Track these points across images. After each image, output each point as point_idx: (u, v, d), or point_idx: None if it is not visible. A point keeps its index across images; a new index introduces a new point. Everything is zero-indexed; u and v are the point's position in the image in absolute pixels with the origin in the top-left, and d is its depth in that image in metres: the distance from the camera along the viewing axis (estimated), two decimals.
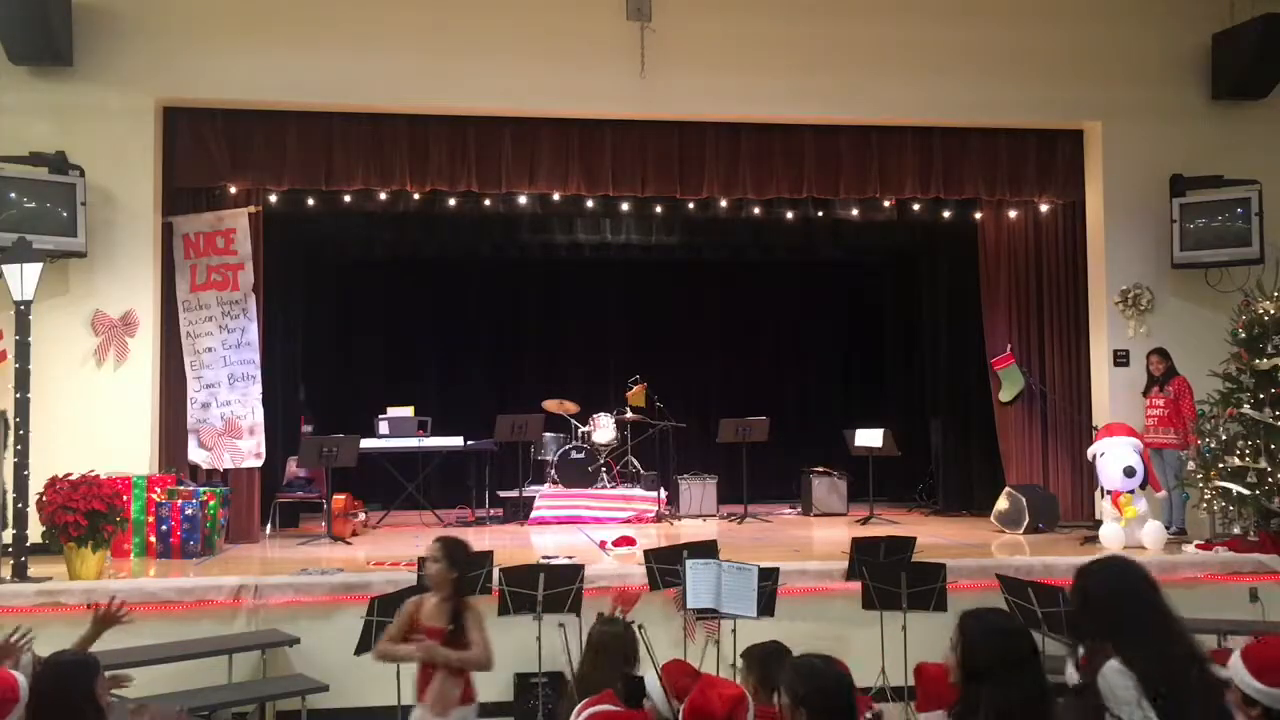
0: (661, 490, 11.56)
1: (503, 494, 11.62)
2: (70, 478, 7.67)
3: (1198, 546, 8.67)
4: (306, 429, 11.67)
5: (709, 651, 6.65)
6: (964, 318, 11.96)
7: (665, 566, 6.82)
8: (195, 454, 9.61)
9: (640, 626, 4.80)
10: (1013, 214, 11.26)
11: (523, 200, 10.74)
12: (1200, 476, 9.03)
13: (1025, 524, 10.03)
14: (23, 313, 7.72)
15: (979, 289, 11.44)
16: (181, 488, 9.00)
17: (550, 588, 6.58)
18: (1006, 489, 10.49)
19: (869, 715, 4.18)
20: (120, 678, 4.51)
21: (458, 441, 11.41)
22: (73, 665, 3.85)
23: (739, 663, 4.50)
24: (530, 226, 12.43)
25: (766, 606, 6.18)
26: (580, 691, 4.37)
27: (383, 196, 10.44)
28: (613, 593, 5.73)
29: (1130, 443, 9.05)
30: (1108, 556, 3.96)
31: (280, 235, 10.68)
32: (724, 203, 10.96)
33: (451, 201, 10.74)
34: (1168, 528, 9.14)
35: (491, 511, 11.35)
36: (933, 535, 9.67)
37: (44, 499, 7.56)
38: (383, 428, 11.49)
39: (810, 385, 14.33)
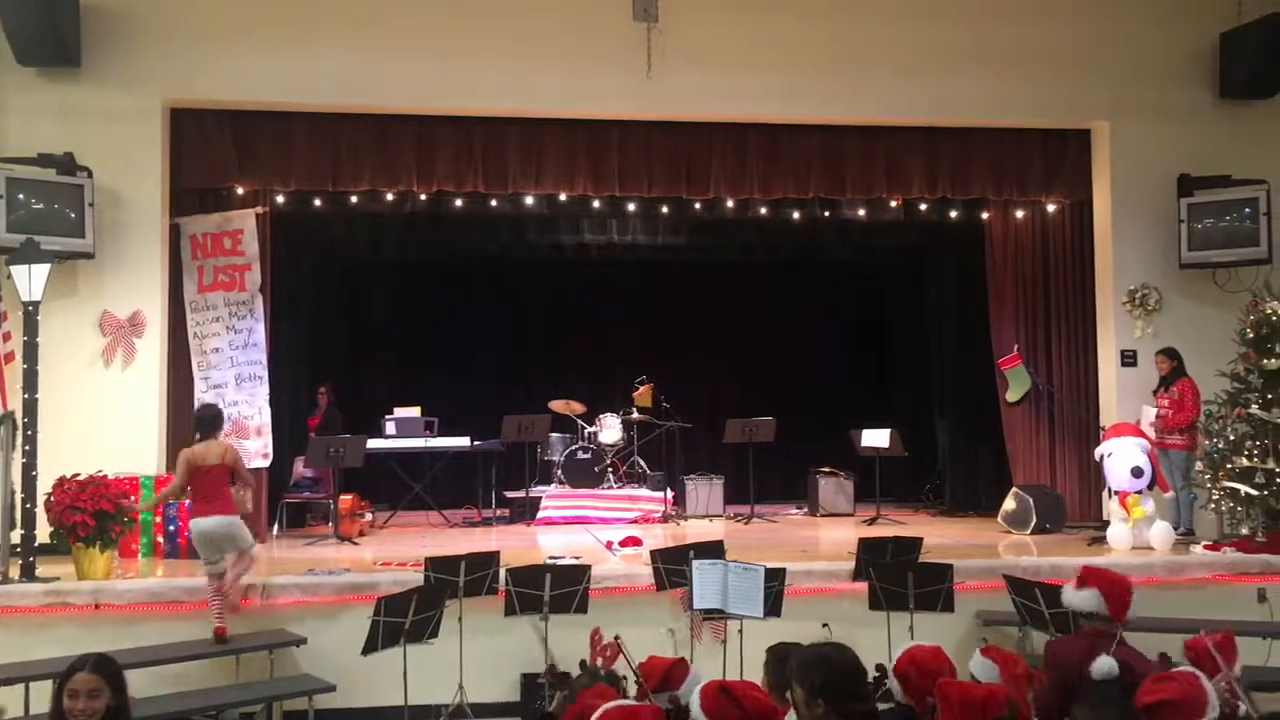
0: (668, 490, 11.56)
1: (509, 494, 11.63)
2: (78, 478, 7.69)
3: (1205, 547, 8.65)
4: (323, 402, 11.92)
5: (715, 652, 6.64)
6: (971, 318, 11.95)
7: (672, 567, 6.83)
8: None
9: (616, 637, 4.81)
10: (1020, 214, 11.24)
11: (529, 201, 10.75)
12: (1208, 477, 9.01)
13: (1032, 524, 10.02)
14: (31, 314, 7.74)
15: (986, 289, 11.42)
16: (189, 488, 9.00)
17: (557, 588, 6.59)
18: (1014, 489, 10.47)
19: None
20: None
21: (464, 442, 11.42)
22: (66, 669, 3.79)
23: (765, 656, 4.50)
24: (537, 227, 12.46)
25: (773, 607, 6.18)
26: None
27: (389, 197, 10.46)
28: (595, 639, 5.69)
29: (1138, 443, 9.02)
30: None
31: (287, 236, 10.69)
32: (730, 203, 10.95)
33: (458, 202, 10.75)
34: (1175, 528, 9.11)
35: (498, 512, 11.36)
36: (939, 536, 9.65)
37: (52, 499, 7.58)
38: (390, 428, 11.51)
39: (817, 385, 14.29)
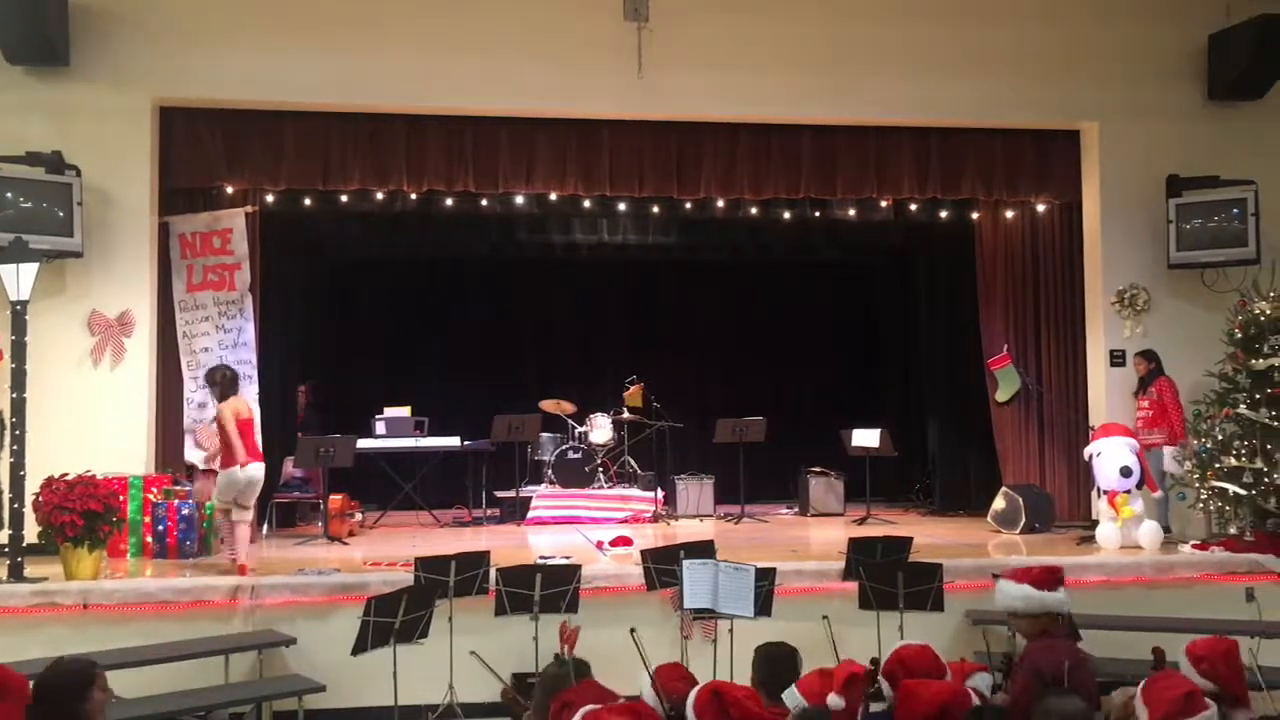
0: (658, 490, 11.56)
1: (499, 494, 11.61)
2: (67, 478, 7.66)
3: (1194, 546, 8.69)
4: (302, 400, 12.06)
5: (705, 651, 6.64)
6: (961, 318, 11.96)
7: (662, 567, 6.82)
8: (192, 454, 9.58)
9: (632, 630, 4.81)
10: (1009, 214, 11.26)
11: (520, 200, 10.73)
12: (1196, 477, 9.05)
13: (1022, 524, 10.04)
14: (19, 313, 7.70)
15: (976, 289, 11.44)
16: (178, 488, 8.99)
17: (547, 588, 6.58)
18: (1003, 489, 10.50)
19: None
20: None
21: (455, 442, 11.41)
22: (68, 672, 3.85)
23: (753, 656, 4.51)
24: (527, 226, 12.44)
25: (764, 606, 6.18)
26: None
27: (380, 196, 10.44)
28: (563, 629, 5.73)
29: (1127, 443, 9.06)
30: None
31: (277, 235, 10.64)
32: (721, 203, 10.95)
33: (449, 201, 10.73)
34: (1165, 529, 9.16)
35: (488, 512, 11.34)
36: (929, 535, 9.68)
37: (40, 499, 7.55)
38: (380, 428, 11.49)
39: (807, 385, 14.33)
